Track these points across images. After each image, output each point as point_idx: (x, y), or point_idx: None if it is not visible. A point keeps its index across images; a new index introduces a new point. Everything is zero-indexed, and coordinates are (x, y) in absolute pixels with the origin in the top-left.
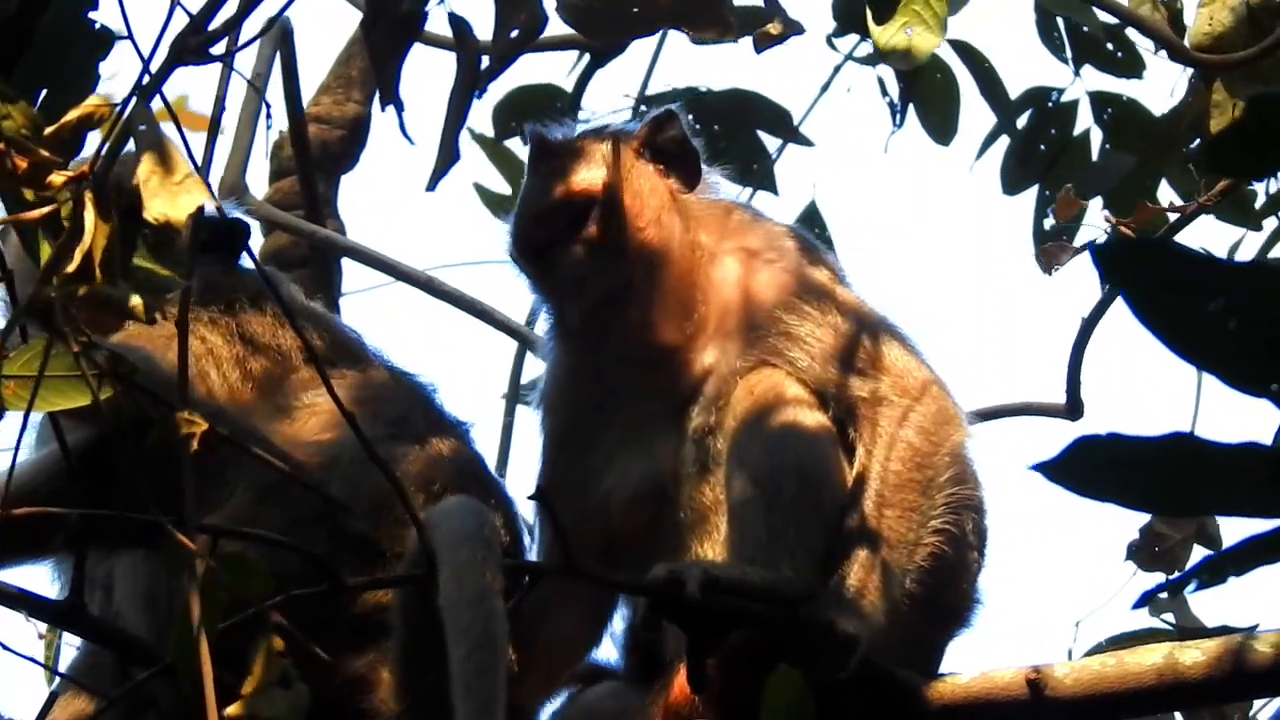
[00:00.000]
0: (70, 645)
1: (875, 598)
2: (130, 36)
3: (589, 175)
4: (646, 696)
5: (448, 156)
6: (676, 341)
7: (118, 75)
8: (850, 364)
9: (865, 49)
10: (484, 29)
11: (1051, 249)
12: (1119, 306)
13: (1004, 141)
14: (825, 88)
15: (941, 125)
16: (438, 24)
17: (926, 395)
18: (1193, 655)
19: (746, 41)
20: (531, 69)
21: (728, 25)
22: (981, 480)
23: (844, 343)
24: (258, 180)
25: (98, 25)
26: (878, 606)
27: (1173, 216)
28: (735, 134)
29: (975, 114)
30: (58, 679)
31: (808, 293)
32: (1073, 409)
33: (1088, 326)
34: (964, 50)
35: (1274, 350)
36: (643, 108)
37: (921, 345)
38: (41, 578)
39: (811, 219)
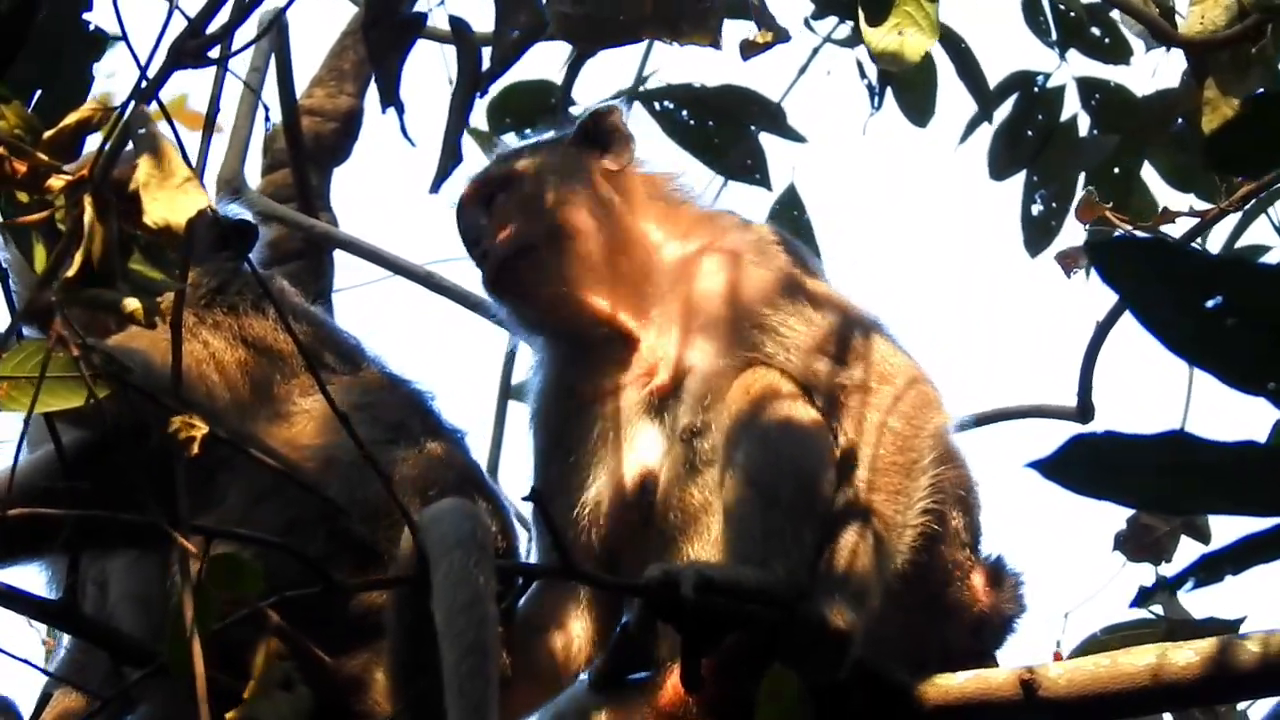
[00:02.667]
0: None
1: (868, 582)
2: (125, 38)
3: (501, 165)
4: (630, 700)
5: (450, 158)
6: (622, 320)
7: (116, 75)
8: (831, 354)
9: (844, 31)
10: (484, 26)
11: (1071, 253)
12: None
13: (990, 126)
14: (803, 70)
15: (919, 108)
16: (438, 23)
17: (906, 381)
18: (1186, 656)
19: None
20: (524, 62)
21: (711, 32)
22: (966, 459)
23: (824, 334)
24: (255, 173)
25: (92, 27)
26: (870, 589)
27: (1193, 221)
28: (729, 129)
29: (955, 97)
30: (49, 679)
31: (788, 289)
32: (1083, 411)
33: (1102, 330)
34: (942, 33)
35: (1272, 348)
36: (636, 103)
37: (900, 334)
38: (35, 578)
39: (791, 203)
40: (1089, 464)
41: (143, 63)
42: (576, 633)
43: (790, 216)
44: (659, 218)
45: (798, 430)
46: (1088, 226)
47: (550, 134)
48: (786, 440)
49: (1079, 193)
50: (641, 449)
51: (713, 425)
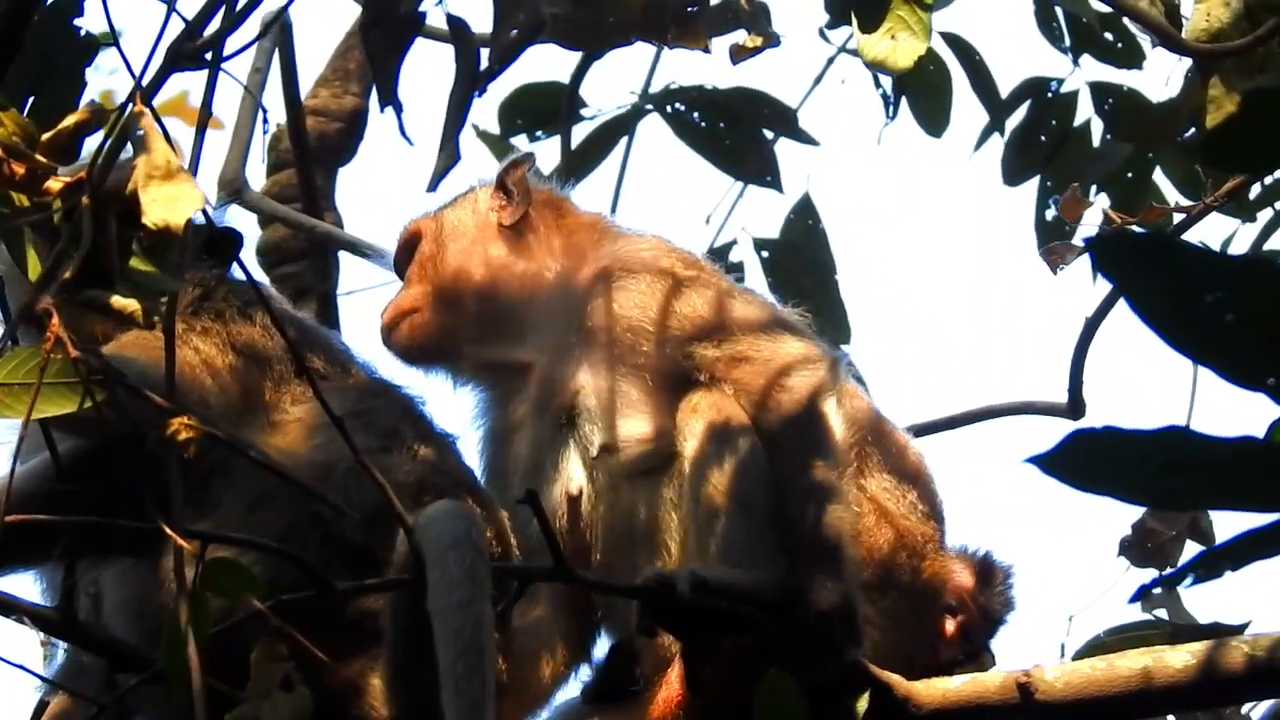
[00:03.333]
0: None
1: (840, 545)
2: (117, 44)
3: (422, 217)
4: (620, 712)
5: (449, 157)
6: (517, 356)
7: (118, 71)
8: (711, 341)
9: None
10: (483, 25)
11: (1057, 248)
12: (1122, 305)
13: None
14: (818, 80)
15: (934, 117)
16: (436, 23)
17: (788, 348)
18: (1182, 658)
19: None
20: (532, 62)
21: (700, 37)
22: (882, 408)
23: (699, 329)
24: (257, 173)
25: (84, 32)
26: (844, 548)
27: (1179, 216)
28: (741, 132)
29: (970, 105)
30: (45, 685)
31: (662, 295)
32: (1074, 408)
33: (1091, 326)
34: (955, 43)
35: (1271, 344)
36: (647, 106)
37: (788, 314)
38: (29, 586)
39: (805, 211)
40: (1088, 459)
41: (140, 65)
42: (553, 644)
43: (805, 225)
44: (564, 252)
45: (755, 440)
46: (1069, 225)
47: (476, 184)
48: (752, 453)
49: (1094, 199)
50: (562, 472)
51: (622, 437)
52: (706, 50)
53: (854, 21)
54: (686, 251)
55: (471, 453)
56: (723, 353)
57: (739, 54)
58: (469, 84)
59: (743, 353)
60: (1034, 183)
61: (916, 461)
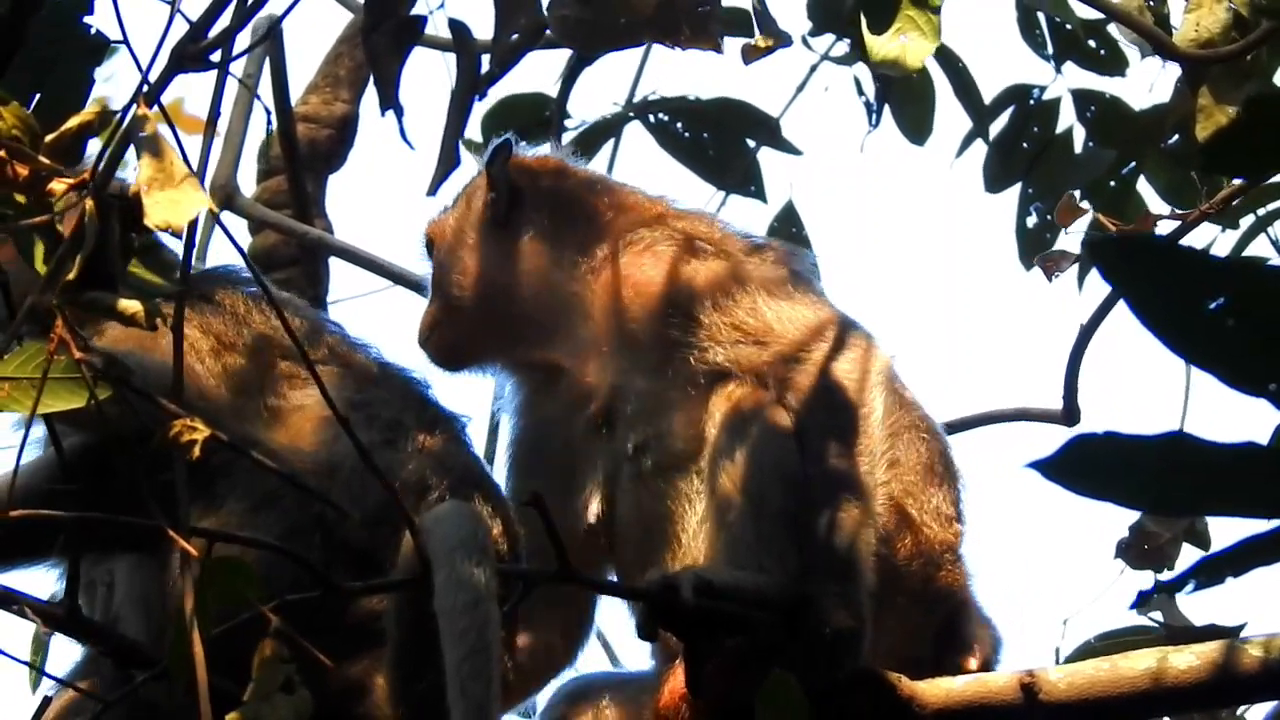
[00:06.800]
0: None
1: (856, 557)
2: (127, 43)
3: (431, 223)
4: (641, 693)
5: (449, 161)
6: (547, 356)
7: (113, 77)
8: (752, 337)
9: (841, 49)
10: (483, 30)
11: (1053, 256)
12: (1118, 313)
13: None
14: (801, 87)
15: (917, 125)
16: (437, 27)
17: (832, 340)
18: (1186, 659)
19: (728, 44)
20: (519, 71)
21: (712, 37)
22: (919, 401)
23: (742, 317)
24: (249, 179)
25: (93, 31)
26: (861, 562)
27: (1174, 224)
28: (724, 142)
29: (953, 113)
30: (49, 680)
31: (693, 281)
32: (1069, 415)
33: (1086, 333)
34: (939, 50)
35: (1272, 349)
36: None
37: (828, 294)
38: (41, 581)
39: (788, 219)
40: (1088, 464)
41: (144, 67)
42: (550, 635)
43: (788, 233)
44: (575, 240)
45: (780, 436)
46: (1067, 230)
47: (473, 180)
48: (770, 447)
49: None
50: (595, 471)
51: (657, 437)
52: (718, 51)
53: (863, 22)
54: (732, 229)
55: (479, 438)
56: (768, 353)
57: (751, 54)
58: (469, 88)
59: (788, 352)
60: (1015, 189)
61: (946, 461)
